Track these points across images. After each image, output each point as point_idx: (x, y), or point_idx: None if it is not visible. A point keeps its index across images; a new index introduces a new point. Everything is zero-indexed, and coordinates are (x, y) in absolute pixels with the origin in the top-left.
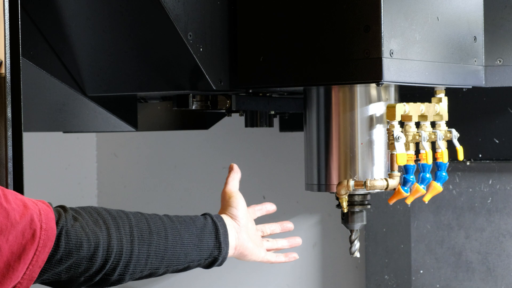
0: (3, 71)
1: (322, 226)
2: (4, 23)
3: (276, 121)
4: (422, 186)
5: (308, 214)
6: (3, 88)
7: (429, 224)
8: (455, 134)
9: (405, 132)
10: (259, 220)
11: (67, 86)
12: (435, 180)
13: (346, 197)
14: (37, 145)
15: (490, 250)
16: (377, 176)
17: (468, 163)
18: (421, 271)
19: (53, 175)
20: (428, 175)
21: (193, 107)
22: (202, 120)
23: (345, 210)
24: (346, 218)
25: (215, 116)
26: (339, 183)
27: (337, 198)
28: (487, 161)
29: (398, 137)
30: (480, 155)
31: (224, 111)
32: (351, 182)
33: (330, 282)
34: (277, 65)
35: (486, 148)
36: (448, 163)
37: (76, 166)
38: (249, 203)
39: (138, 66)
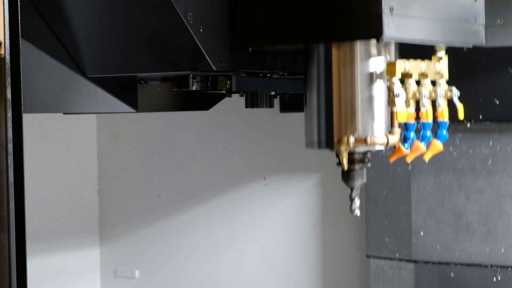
0: (2, 52)
1: (323, 207)
2: (4, 4)
3: (276, 101)
4: (423, 144)
5: (309, 195)
6: (2, 69)
7: (429, 186)
8: (455, 92)
9: (405, 89)
10: (262, 203)
11: (66, 67)
12: (435, 138)
13: (346, 154)
14: (37, 126)
15: (490, 211)
16: (378, 133)
17: (468, 125)
18: (422, 233)
19: (53, 156)
20: (428, 133)
21: (193, 88)
22: (202, 101)
23: (346, 168)
24: (346, 176)
25: (215, 97)
26: (339, 140)
27: (337, 156)
28: (487, 123)
29: (398, 94)
30: (481, 116)
31: (224, 92)
32: (351, 139)
33: (330, 263)
34: (277, 23)
35: (487, 109)
36: (448, 122)
37: (77, 147)
38: (250, 183)
39: (138, 47)
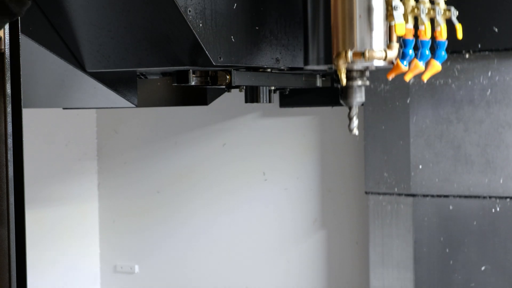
0: (2, 47)
1: (323, 201)
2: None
3: (276, 96)
4: (421, 62)
5: (308, 189)
6: (2, 64)
7: (428, 119)
8: (453, 11)
9: (403, 4)
10: (261, 199)
11: (66, 62)
12: (434, 58)
13: (345, 69)
14: (37, 121)
15: (489, 142)
16: (376, 47)
17: (467, 55)
18: (420, 166)
19: (53, 151)
20: (427, 52)
21: (193, 83)
22: (202, 96)
23: (344, 83)
24: (345, 94)
25: (215, 92)
26: (338, 54)
27: (336, 74)
28: (486, 52)
29: (396, 6)
30: (479, 45)
31: (224, 87)
32: (350, 53)
33: (331, 258)
34: None
35: (485, 38)
36: (446, 42)
37: (76, 142)
38: (249, 179)
39: (137, 41)
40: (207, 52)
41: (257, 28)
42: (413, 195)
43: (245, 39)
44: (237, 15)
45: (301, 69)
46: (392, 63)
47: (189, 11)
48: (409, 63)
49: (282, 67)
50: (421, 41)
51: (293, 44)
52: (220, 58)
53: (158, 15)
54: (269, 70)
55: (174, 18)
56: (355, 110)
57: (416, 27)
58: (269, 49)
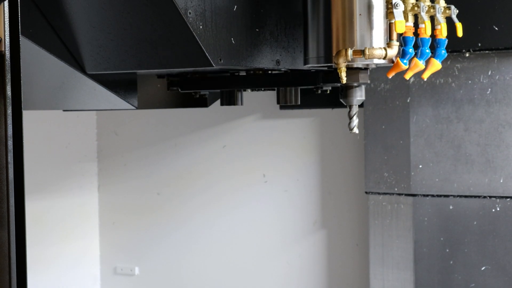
0: (2, 48)
1: (323, 203)
2: (4, 1)
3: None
4: (421, 61)
5: (309, 191)
6: (2, 66)
7: (428, 118)
8: (453, 10)
9: (403, 2)
10: (262, 201)
11: (66, 64)
12: (434, 57)
13: (345, 67)
14: (37, 123)
15: (489, 141)
16: (376, 45)
17: (467, 54)
18: (420, 166)
19: (53, 153)
20: (427, 50)
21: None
22: (202, 98)
23: (344, 81)
24: (345, 93)
25: (216, 94)
26: (338, 53)
27: (336, 73)
28: (486, 51)
29: (396, 4)
30: (479, 44)
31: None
32: (350, 51)
33: (331, 258)
34: None
35: (486, 37)
36: (446, 40)
37: (77, 144)
38: (250, 181)
39: (137, 43)
40: (207, 54)
41: (257, 30)
42: (413, 195)
43: (245, 41)
44: (237, 17)
45: (300, 71)
46: (392, 61)
47: (189, 13)
48: (409, 62)
49: (283, 69)
50: (421, 39)
51: (293, 46)
52: (220, 60)
53: (158, 17)
54: (269, 71)
55: (174, 20)
56: (355, 109)
57: (416, 25)
58: (270, 51)
